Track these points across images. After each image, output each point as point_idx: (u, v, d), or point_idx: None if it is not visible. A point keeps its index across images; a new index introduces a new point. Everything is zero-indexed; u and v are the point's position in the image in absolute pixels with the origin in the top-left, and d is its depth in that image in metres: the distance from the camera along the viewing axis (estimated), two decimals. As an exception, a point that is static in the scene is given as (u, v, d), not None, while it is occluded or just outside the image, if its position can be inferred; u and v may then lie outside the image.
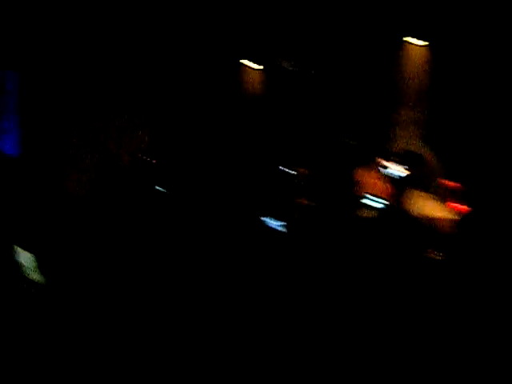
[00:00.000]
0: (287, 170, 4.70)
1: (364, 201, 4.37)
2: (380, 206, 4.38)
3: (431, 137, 7.04)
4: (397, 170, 4.40)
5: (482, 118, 6.52)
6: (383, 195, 4.42)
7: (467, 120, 6.69)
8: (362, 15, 7.38)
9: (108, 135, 8.69)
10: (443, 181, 5.32)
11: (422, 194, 4.56)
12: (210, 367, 3.02)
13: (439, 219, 4.13)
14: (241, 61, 8.94)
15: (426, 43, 7.23)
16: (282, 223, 4.46)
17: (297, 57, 8.27)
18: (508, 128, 6.27)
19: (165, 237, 4.54)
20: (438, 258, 3.27)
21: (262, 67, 8.91)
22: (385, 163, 4.40)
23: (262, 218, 4.48)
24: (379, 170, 4.39)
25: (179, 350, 3.12)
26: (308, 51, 8.04)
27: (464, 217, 4.69)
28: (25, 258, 3.46)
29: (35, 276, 3.46)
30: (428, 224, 3.92)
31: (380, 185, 4.47)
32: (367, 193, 4.49)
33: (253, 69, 8.95)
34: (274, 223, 4.46)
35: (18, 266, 3.43)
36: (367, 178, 4.50)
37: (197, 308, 3.50)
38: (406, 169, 4.39)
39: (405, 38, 7.33)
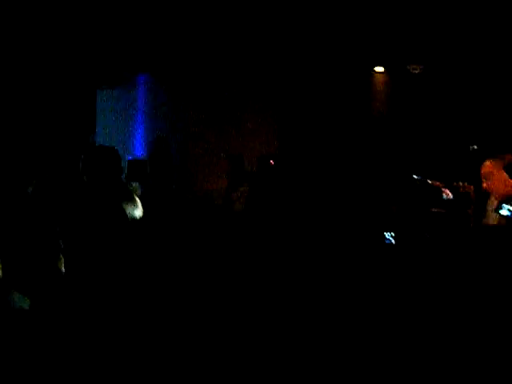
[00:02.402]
0: (420, 179, 4.48)
1: (498, 209, 4.16)
2: (508, 213, 4.17)
3: None
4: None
5: None
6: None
7: None
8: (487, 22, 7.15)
9: (239, 138, 8.76)
10: None
11: None
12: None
13: None
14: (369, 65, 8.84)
15: None
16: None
17: (425, 60, 8.10)
18: None
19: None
20: None
21: (387, 71, 8.78)
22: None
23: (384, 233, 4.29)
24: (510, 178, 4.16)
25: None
26: (437, 56, 7.85)
27: None
28: None
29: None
30: None
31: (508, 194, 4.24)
32: (502, 200, 4.27)
33: (379, 72, 8.83)
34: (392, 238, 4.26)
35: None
36: (499, 183, 4.26)
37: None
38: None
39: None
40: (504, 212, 4.10)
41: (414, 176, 4.61)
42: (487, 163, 4.36)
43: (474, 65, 7.46)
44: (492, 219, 4.49)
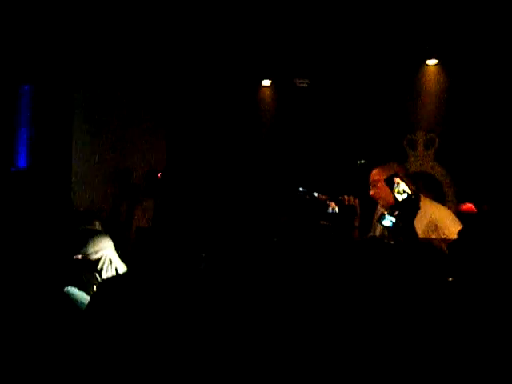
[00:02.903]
0: (306, 191, 4.49)
1: (381, 220, 4.25)
2: (390, 224, 4.26)
3: (445, 159, 6.98)
4: (407, 190, 4.25)
5: (498, 140, 6.44)
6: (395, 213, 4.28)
7: (482, 141, 6.61)
8: (378, 36, 7.34)
9: (122, 149, 8.59)
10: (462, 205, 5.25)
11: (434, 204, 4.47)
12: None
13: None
14: (257, 79, 8.89)
15: (441, 64, 7.18)
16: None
17: (311, 75, 8.22)
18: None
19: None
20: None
21: (274, 84, 8.86)
22: (398, 181, 4.27)
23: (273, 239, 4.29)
24: (393, 189, 4.25)
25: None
26: (324, 70, 7.99)
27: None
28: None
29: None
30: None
31: (392, 203, 4.34)
32: (384, 211, 4.36)
33: (266, 86, 8.90)
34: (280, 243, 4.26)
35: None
36: (385, 192, 4.35)
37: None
38: (417, 190, 4.25)
39: (423, 60, 7.30)
40: (386, 223, 4.18)
41: (300, 189, 4.63)
42: (375, 171, 4.47)
43: (361, 79, 7.64)
44: (378, 231, 4.59)
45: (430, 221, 4.25)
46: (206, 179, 8.00)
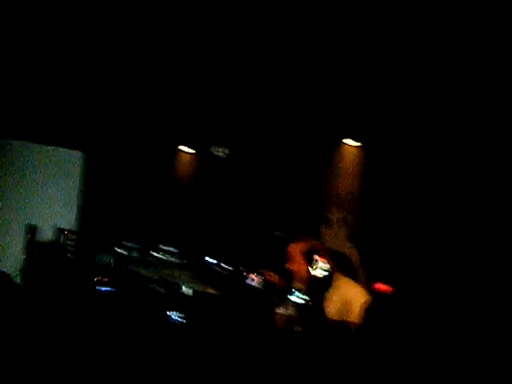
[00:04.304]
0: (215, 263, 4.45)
1: (290, 295, 4.19)
2: (301, 302, 4.21)
3: (359, 238, 7.03)
4: (325, 267, 4.25)
5: (412, 220, 6.56)
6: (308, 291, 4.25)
7: (397, 221, 6.72)
8: (298, 114, 7.46)
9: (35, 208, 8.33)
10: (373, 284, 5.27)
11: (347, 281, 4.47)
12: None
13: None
14: (176, 145, 8.87)
15: (360, 144, 7.32)
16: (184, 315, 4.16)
17: (230, 144, 8.25)
18: (437, 233, 6.30)
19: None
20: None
21: (194, 151, 8.84)
22: (317, 258, 4.25)
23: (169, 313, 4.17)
24: (311, 264, 4.23)
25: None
26: (242, 141, 8.03)
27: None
28: None
29: None
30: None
31: (308, 279, 4.31)
32: (294, 288, 4.32)
33: (187, 153, 8.87)
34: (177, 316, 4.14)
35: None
36: (297, 271, 4.33)
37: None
38: (329, 268, 4.24)
39: (341, 139, 7.42)
40: (294, 299, 4.14)
41: (208, 259, 4.59)
42: (291, 246, 4.43)
43: (280, 152, 7.72)
44: (283, 308, 4.52)
45: (346, 301, 4.23)
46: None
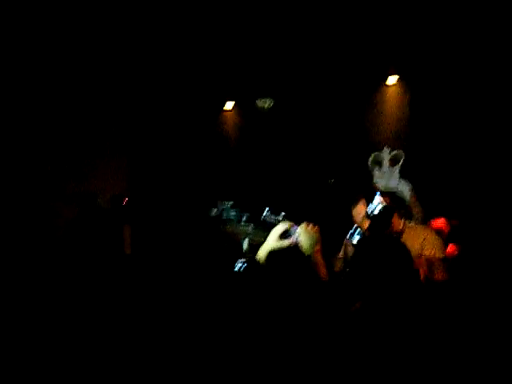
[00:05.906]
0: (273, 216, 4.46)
1: (354, 236, 4.24)
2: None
3: (411, 175, 7.01)
4: (376, 206, 4.24)
5: (461, 152, 6.52)
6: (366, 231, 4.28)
7: (446, 156, 6.69)
8: (338, 56, 7.41)
9: (91, 179, 8.50)
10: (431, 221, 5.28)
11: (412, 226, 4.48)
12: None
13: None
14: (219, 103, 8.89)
15: (398, 79, 7.27)
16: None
17: (273, 96, 8.24)
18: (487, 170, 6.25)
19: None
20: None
21: (236, 107, 8.85)
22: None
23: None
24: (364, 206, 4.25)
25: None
26: (287, 90, 8.01)
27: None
28: None
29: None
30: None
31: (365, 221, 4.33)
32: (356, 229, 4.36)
33: (228, 111, 8.90)
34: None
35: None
36: (355, 214, 4.35)
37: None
38: (383, 207, 4.23)
39: (382, 80, 7.38)
40: (355, 241, 4.21)
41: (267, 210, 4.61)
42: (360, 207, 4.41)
43: (325, 100, 7.69)
44: (349, 251, 4.57)
45: (424, 239, 4.27)
46: (170, 204, 7.93)
